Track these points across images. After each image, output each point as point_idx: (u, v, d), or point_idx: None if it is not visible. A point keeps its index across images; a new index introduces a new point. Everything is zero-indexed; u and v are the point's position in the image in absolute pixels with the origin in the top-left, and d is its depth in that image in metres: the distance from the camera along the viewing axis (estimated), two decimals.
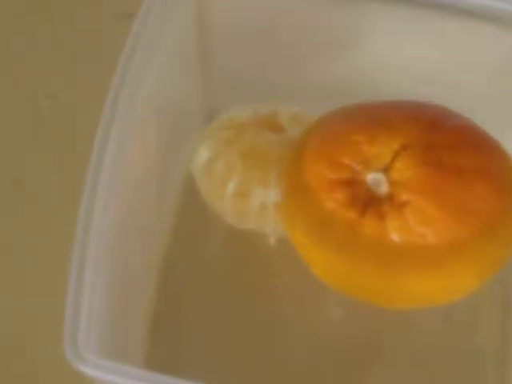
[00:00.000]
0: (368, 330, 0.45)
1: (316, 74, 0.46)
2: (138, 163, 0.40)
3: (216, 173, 0.44)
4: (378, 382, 0.43)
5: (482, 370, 0.44)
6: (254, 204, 0.44)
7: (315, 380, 0.42)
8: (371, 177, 0.39)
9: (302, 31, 0.45)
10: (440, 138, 0.40)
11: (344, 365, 0.44)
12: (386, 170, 0.38)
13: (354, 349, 0.44)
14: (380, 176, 0.38)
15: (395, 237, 0.38)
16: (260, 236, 0.45)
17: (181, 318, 0.45)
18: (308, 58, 0.46)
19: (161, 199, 0.46)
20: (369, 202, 0.39)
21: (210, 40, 0.46)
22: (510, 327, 0.44)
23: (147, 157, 0.42)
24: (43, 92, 0.54)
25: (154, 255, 0.45)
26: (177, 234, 0.46)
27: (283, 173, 0.42)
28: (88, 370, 0.32)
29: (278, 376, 0.42)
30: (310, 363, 0.43)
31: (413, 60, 0.44)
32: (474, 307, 0.44)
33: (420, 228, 0.38)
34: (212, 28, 0.45)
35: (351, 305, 0.42)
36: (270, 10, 0.44)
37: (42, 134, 0.53)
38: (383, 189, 0.38)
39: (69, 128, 0.51)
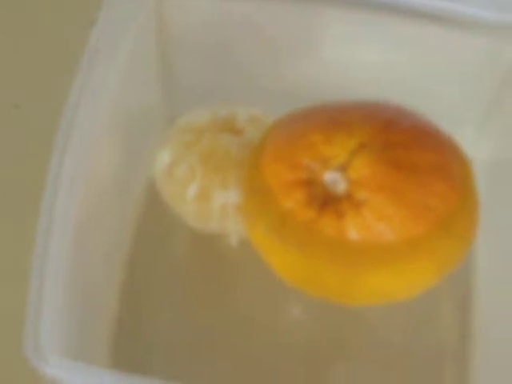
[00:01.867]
0: (330, 328, 0.45)
1: (274, 79, 0.46)
2: (99, 168, 0.40)
3: (177, 176, 0.45)
4: (339, 378, 0.44)
5: (441, 365, 0.45)
6: (215, 206, 0.44)
7: (278, 377, 0.43)
8: (329, 176, 0.39)
9: (258, 37, 0.45)
10: (397, 137, 0.40)
11: (306, 362, 0.44)
12: (343, 169, 0.39)
13: (316, 346, 0.44)
14: (337, 175, 0.39)
15: (353, 234, 0.39)
16: (222, 238, 0.45)
17: (144, 319, 0.45)
18: (266, 63, 0.46)
19: (123, 203, 0.46)
20: (327, 201, 0.39)
21: (169, 47, 0.46)
22: (468, 323, 0.45)
23: (108, 162, 0.42)
24: (8, 101, 0.55)
25: (116, 258, 0.45)
26: (139, 237, 0.47)
27: (243, 174, 0.43)
28: (50, 371, 0.32)
29: (241, 374, 0.42)
30: (272, 360, 0.44)
31: (370, 63, 0.45)
32: (433, 303, 0.45)
33: (377, 225, 0.39)
34: (171, 35, 0.45)
35: (312, 303, 0.43)
36: (226, 18, 0.45)
37: (7, 141, 0.53)
38: (341, 187, 0.39)
39: (32, 136, 0.52)
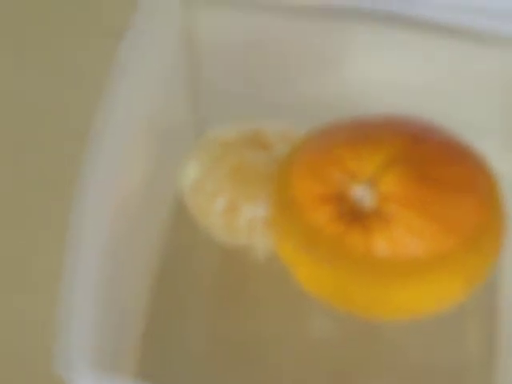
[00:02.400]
0: (354, 343, 0.45)
1: (302, 91, 0.46)
2: (128, 182, 0.40)
3: (205, 190, 0.45)
4: None
5: (468, 378, 0.45)
6: (242, 220, 0.44)
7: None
8: (357, 191, 0.39)
9: (287, 48, 0.45)
10: (424, 152, 0.40)
11: (330, 379, 0.44)
12: (372, 184, 0.39)
13: (341, 363, 0.44)
14: (366, 190, 0.39)
15: (381, 249, 0.39)
16: (249, 252, 0.45)
17: (172, 333, 0.45)
18: (294, 75, 0.46)
19: (152, 216, 0.46)
20: (355, 216, 0.39)
21: (197, 58, 0.46)
22: (494, 341, 0.45)
23: (138, 175, 0.42)
24: (35, 110, 0.55)
25: (144, 271, 0.45)
26: (167, 250, 0.47)
27: (271, 189, 0.43)
28: (81, 381, 0.33)
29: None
30: (297, 376, 0.44)
31: (393, 79, 0.45)
32: (458, 320, 0.45)
33: (406, 240, 0.39)
34: (200, 46, 0.46)
35: (339, 319, 0.43)
36: (256, 28, 0.45)
37: (29, 153, 0.53)
38: (369, 202, 0.39)
39: (59, 146, 0.52)
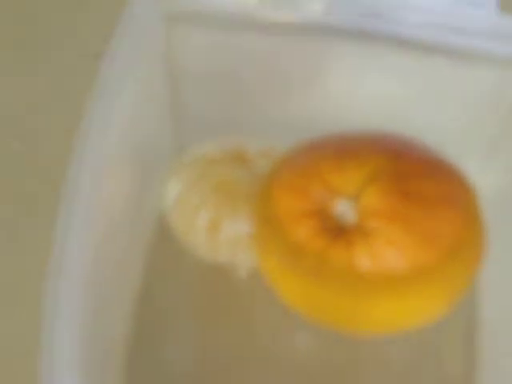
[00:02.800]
0: (339, 358, 0.45)
1: (282, 111, 0.47)
2: (111, 200, 0.40)
3: (186, 207, 0.45)
4: None
5: None
6: (224, 237, 0.44)
7: None
8: (339, 206, 0.39)
9: (266, 69, 0.46)
10: (405, 168, 0.41)
11: None
12: (353, 199, 0.39)
13: (324, 376, 0.45)
14: (348, 205, 0.39)
15: (364, 263, 0.39)
16: (232, 269, 0.46)
17: (157, 348, 0.46)
18: (273, 95, 0.47)
19: (134, 233, 0.46)
20: (338, 231, 0.39)
21: (178, 79, 0.47)
22: (475, 353, 0.46)
23: (120, 193, 0.43)
24: (12, 134, 0.55)
25: (128, 288, 0.45)
26: (150, 267, 0.47)
27: (254, 205, 0.43)
28: None
29: None
30: None
31: (376, 95, 0.45)
32: (440, 333, 0.46)
33: (387, 253, 0.39)
34: (180, 69, 0.46)
35: (321, 334, 0.43)
36: (234, 50, 0.45)
37: (15, 177, 0.53)
38: (351, 217, 0.39)
39: (39, 168, 0.52)
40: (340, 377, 0.45)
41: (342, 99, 0.46)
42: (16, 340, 0.44)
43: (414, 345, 0.45)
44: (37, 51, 0.58)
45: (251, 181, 0.45)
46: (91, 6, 0.61)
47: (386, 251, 0.39)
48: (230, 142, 0.47)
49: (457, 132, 0.45)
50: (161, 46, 0.44)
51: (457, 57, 0.43)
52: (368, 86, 0.45)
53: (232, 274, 0.46)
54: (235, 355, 0.45)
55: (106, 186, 0.39)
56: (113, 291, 0.43)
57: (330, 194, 0.40)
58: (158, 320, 0.46)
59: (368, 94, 0.45)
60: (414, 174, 0.41)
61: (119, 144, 0.41)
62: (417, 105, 0.45)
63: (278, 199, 0.41)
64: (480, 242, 0.42)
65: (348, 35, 0.43)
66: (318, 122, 0.44)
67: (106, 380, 0.41)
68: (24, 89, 0.56)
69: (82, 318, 0.35)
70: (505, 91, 0.43)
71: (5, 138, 0.54)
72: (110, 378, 0.42)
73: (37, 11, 0.61)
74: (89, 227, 0.36)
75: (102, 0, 0.61)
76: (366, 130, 0.42)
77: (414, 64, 0.44)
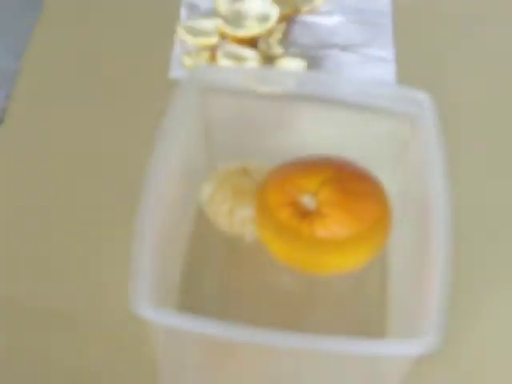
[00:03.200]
0: (304, 287, 0.46)
1: (270, 144, 0.47)
2: (169, 201, 0.41)
3: (214, 201, 0.47)
4: (312, 319, 0.44)
5: (368, 310, 0.45)
6: (237, 218, 0.46)
7: (275, 315, 0.43)
8: (305, 199, 0.41)
9: (260, 120, 0.47)
10: (344, 175, 0.43)
11: (289, 307, 0.45)
12: (313, 195, 0.41)
13: (296, 299, 0.45)
14: (310, 199, 0.41)
15: (320, 233, 0.41)
16: (241, 237, 0.47)
17: (200, 280, 0.46)
18: (265, 136, 0.48)
19: (184, 215, 0.48)
20: (304, 214, 0.41)
21: (209, 126, 0.47)
22: (387, 287, 0.45)
23: (177, 192, 0.44)
24: (93, 148, 0.53)
25: (181, 244, 0.47)
26: (194, 235, 0.48)
27: (255, 199, 0.45)
28: (145, 315, 0.33)
29: (254, 315, 0.42)
30: (271, 307, 0.44)
31: (323, 134, 0.46)
32: (366, 274, 0.45)
33: (334, 227, 0.41)
34: (210, 119, 0.47)
35: (295, 274, 0.44)
36: (241, 109, 0.46)
37: (110, 186, 0.51)
38: (312, 206, 0.41)
39: (119, 180, 0.51)
40: (306, 298, 0.46)
41: (305, 138, 0.47)
42: (115, 278, 0.43)
43: (350, 281, 0.46)
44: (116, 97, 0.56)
45: (252, 185, 0.47)
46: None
47: (333, 225, 0.41)
48: (239, 162, 0.49)
49: (373, 155, 0.45)
50: (200, 106, 0.46)
51: (370, 112, 0.45)
52: (320, 130, 0.47)
53: (242, 240, 0.47)
54: (244, 286, 0.46)
55: (169, 188, 0.40)
56: (175, 243, 0.45)
57: (299, 192, 0.41)
58: (198, 263, 0.47)
59: (320, 134, 0.46)
60: (348, 179, 0.43)
61: (176, 165, 0.42)
62: (349, 140, 0.46)
63: (268, 195, 0.43)
64: (389, 219, 0.44)
65: (308, 100, 0.45)
66: (291, 151, 0.45)
67: (167, 294, 0.41)
68: (107, 125, 0.55)
69: (155, 259, 0.36)
70: (399, 132, 0.45)
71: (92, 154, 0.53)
72: (169, 293, 0.43)
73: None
74: (159, 210, 0.38)
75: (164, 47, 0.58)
76: (319, 154, 0.44)
77: (346, 116, 0.45)
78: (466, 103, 0.55)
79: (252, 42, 0.59)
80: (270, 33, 0.59)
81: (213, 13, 0.62)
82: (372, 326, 0.44)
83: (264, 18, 0.58)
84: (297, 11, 0.63)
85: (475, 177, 0.51)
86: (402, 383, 0.38)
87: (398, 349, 0.34)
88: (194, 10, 0.63)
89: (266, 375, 0.39)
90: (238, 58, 0.56)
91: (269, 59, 0.58)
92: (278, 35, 0.60)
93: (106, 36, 0.60)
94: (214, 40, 0.58)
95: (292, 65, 0.56)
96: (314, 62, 0.60)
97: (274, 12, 0.58)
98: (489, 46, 0.60)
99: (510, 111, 0.56)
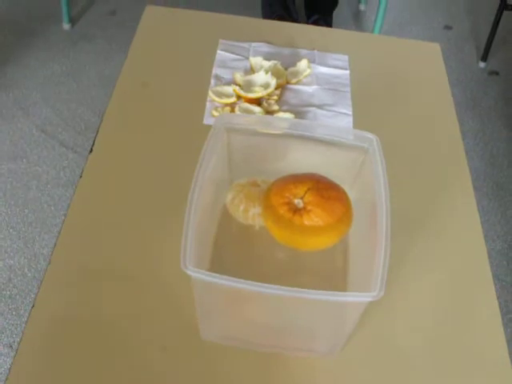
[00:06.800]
0: (294, 259, 0.48)
1: (272, 166, 0.49)
2: (206, 200, 0.43)
3: (234, 203, 0.50)
4: (299, 279, 0.46)
5: (337, 273, 0.47)
6: (250, 214, 0.49)
7: (274, 276, 0.41)
8: (296, 201, 0.45)
9: (265, 150, 0.48)
10: (322, 185, 0.46)
11: (282, 273, 0.47)
12: (301, 198, 0.44)
13: (289, 266, 0.47)
14: (299, 200, 0.45)
15: (306, 223, 0.44)
16: (253, 226, 0.49)
17: (223, 253, 0.48)
18: (267, 161, 0.50)
19: (214, 211, 0.50)
20: (296, 210, 0.45)
21: (231, 153, 0.50)
22: (348, 258, 0.47)
23: (209, 198, 0.46)
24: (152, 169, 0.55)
25: (213, 230, 0.48)
26: (220, 225, 0.50)
27: (262, 201, 0.48)
28: (190, 273, 0.36)
29: (260, 276, 0.39)
30: (272, 271, 0.46)
31: (308, 162, 0.48)
32: (334, 250, 0.48)
33: (315, 219, 0.44)
34: (232, 147, 0.49)
35: (287, 250, 0.47)
36: (252, 141, 0.49)
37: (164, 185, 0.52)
38: (301, 205, 0.45)
39: (174, 188, 0.51)
40: (294, 267, 0.48)
41: (294, 162, 0.49)
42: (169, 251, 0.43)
43: (324, 255, 0.47)
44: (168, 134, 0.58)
45: (260, 193, 0.49)
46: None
47: (315, 218, 0.44)
48: (250, 178, 0.51)
49: (339, 174, 0.47)
50: (225, 141, 0.48)
51: (337, 147, 0.47)
52: (304, 157, 0.48)
53: (253, 228, 0.49)
54: (253, 258, 0.48)
55: (204, 195, 0.43)
56: (208, 228, 0.47)
57: (292, 196, 0.45)
58: (223, 242, 0.49)
59: (304, 160, 0.48)
60: (324, 188, 0.46)
61: (209, 181, 0.44)
62: (323, 164, 0.47)
63: (271, 198, 0.46)
64: (350, 215, 0.47)
65: (296, 138, 0.47)
66: (285, 170, 0.47)
67: (203, 260, 0.42)
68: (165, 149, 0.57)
69: (197, 234, 0.38)
70: (356, 159, 0.48)
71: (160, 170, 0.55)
72: (205, 259, 0.45)
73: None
74: (199, 208, 0.40)
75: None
76: (304, 172, 0.47)
77: (321, 149, 0.47)
78: (399, 142, 0.57)
79: (258, 102, 0.63)
80: (269, 96, 0.63)
81: (232, 82, 0.65)
82: (338, 284, 0.46)
83: (266, 86, 0.62)
84: (288, 82, 0.66)
85: (404, 188, 0.52)
86: (357, 322, 0.40)
87: (355, 297, 0.37)
88: (219, 80, 0.66)
89: (267, 318, 0.40)
90: (249, 112, 0.59)
91: (269, 113, 0.61)
92: (275, 97, 0.63)
93: (165, 98, 0.60)
94: (232, 100, 0.62)
95: (285, 117, 0.59)
96: (299, 116, 0.63)
97: (273, 82, 0.62)
98: (412, 110, 0.62)
99: (426, 148, 0.59)
